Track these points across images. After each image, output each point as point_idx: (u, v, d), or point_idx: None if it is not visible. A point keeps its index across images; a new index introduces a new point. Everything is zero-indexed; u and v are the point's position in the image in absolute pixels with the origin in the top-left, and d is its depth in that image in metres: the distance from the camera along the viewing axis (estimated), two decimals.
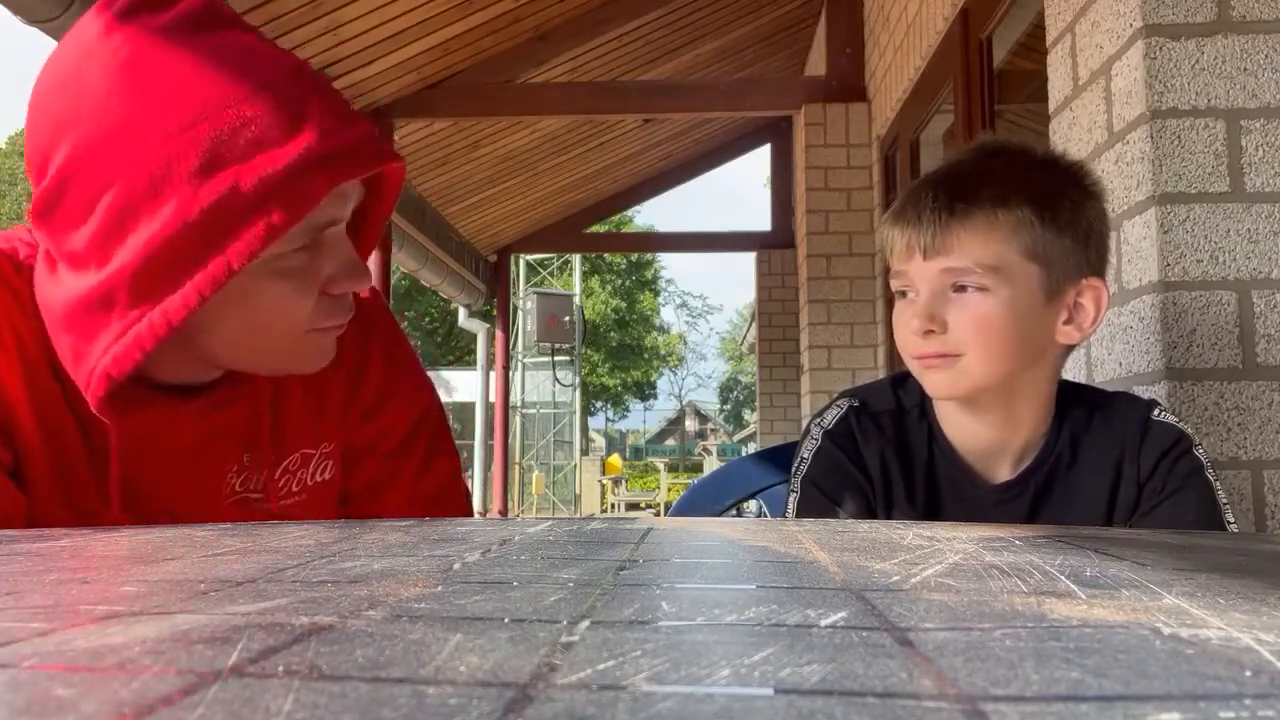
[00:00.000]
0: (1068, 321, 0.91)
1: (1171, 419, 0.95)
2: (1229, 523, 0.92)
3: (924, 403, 0.99)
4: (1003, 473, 0.97)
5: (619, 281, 29.30)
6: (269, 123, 0.68)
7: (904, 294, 0.95)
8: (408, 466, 0.94)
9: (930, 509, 0.97)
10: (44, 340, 0.75)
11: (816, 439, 0.99)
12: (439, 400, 1.00)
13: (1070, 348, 0.96)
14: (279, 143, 0.68)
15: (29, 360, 0.75)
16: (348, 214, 0.78)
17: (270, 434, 0.85)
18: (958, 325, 0.90)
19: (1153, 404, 0.97)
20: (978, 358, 0.90)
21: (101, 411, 0.72)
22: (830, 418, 1.00)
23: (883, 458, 0.97)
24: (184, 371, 0.80)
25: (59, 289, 0.72)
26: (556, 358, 12.95)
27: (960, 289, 0.90)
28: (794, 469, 1.00)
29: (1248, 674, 0.21)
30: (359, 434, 0.93)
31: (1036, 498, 0.95)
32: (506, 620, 0.27)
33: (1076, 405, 0.97)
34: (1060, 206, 0.90)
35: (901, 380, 1.00)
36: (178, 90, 0.68)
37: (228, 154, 0.67)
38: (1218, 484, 0.92)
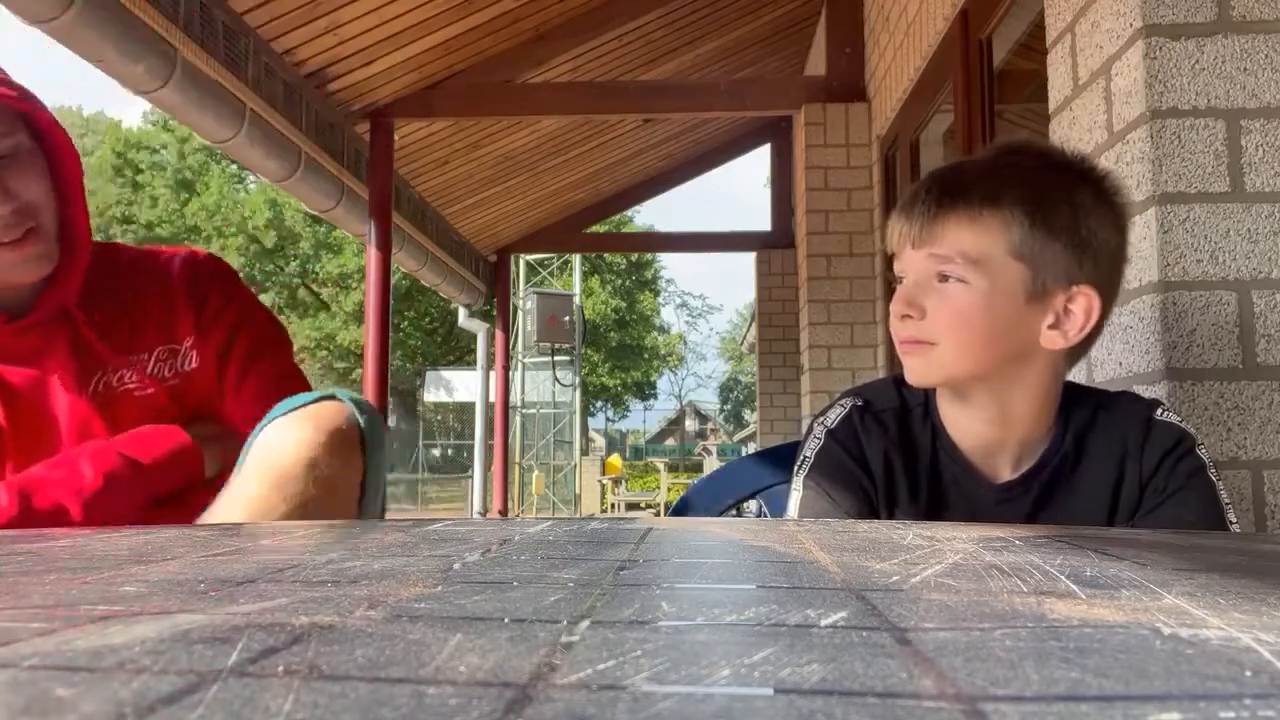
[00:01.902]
0: (1053, 325, 0.91)
1: (1174, 419, 0.95)
2: (1231, 523, 0.92)
3: (927, 401, 0.99)
4: (1005, 471, 0.97)
5: (619, 281, 29.30)
6: None
7: (902, 282, 0.96)
8: (228, 376, 1.16)
9: (933, 507, 0.97)
10: None
11: (819, 438, 0.99)
12: (271, 326, 1.23)
13: (1074, 353, 0.95)
14: None
15: None
16: None
17: (103, 338, 1.09)
18: (935, 313, 0.91)
19: (1155, 404, 0.96)
20: (949, 346, 0.91)
21: None
22: (833, 416, 1.00)
23: (886, 456, 0.97)
24: None
25: None
26: (556, 358, 12.96)
27: (944, 279, 0.91)
28: (796, 467, 1.01)
29: (1248, 674, 0.21)
30: (210, 345, 1.16)
31: (1040, 497, 0.95)
32: (506, 620, 0.27)
33: (1080, 405, 0.97)
34: (1058, 210, 0.90)
35: (905, 379, 1.00)
36: None
37: None
38: (1220, 484, 0.92)
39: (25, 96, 1.02)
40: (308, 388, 1.15)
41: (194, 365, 1.15)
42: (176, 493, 1.03)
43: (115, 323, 1.12)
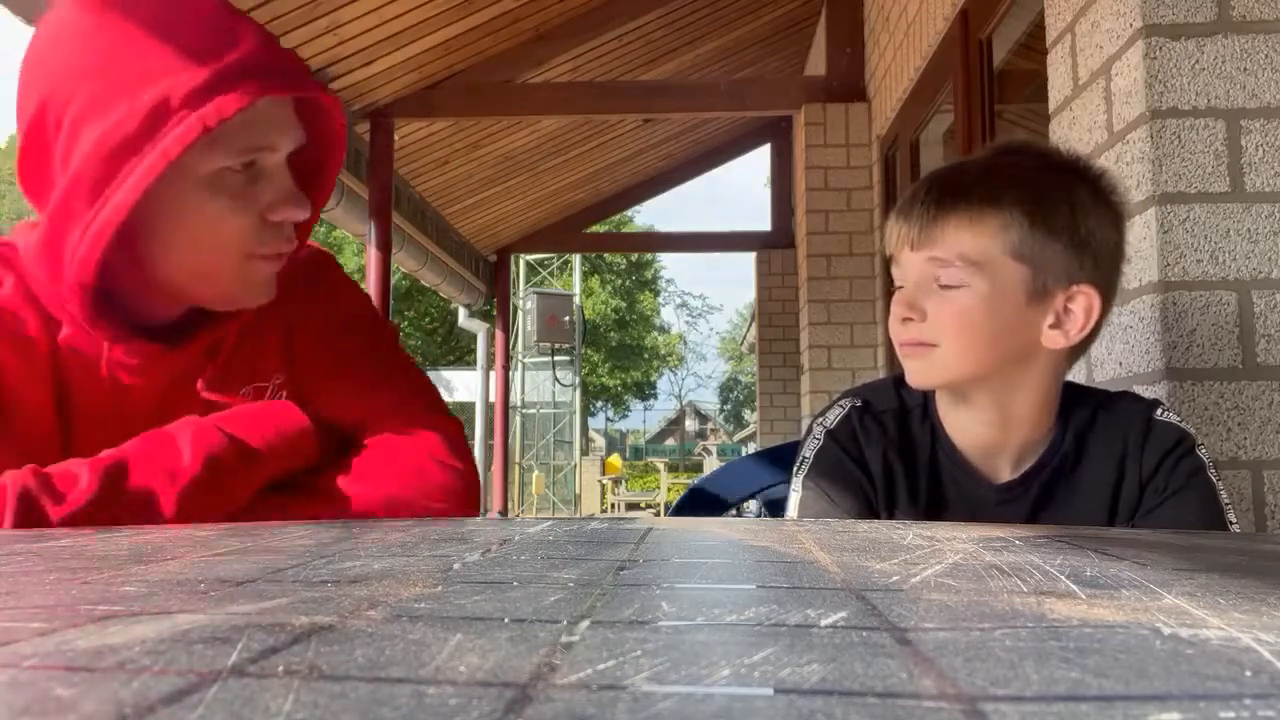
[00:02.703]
0: (1054, 325, 0.91)
1: (1174, 419, 0.95)
2: (1231, 523, 0.92)
3: (927, 402, 0.99)
4: (1005, 472, 0.97)
5: (619, 281, 29.29)
6: (203, 42, 0.78)
7: (901, 285, 0.96)
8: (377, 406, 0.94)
9: (933, 508, 0.97)
10: (38, 315, 0.84)
11: (819, 438, 0.99)
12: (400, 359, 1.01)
13: (1074, 353, 0.95)
14: (213, 57, 0.78)
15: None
16: (284, 146, 0.85)
17: (222, 370, 0.92)
18: (936, 316, 0.91)
19: (1155, 404, 0.96)
20: (951, 349, 0.91)
21: (90, 325, 0.80)
22: (833, 417, 1.00)
23: (885, 457, 0.97)
24: (147, 304, 0.88)
25: (37, 235, 0.82)
26: (556, 358, 12.96)
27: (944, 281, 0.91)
28: (796, 468, 1.01)
29: (1248, 674, 0.21)
30: (307, 367, 0.95)
31: (1039, 497, 0.95)
32: (506, 620, 0.27)
33: (1080, 405, 0.97)
34: (1057, 210, 0.90)
35: (904, 379, 1.00)
36: (124, 28, 0.78)
37: (168, 67, 0.77)
38: (1220, 484, 0.92)
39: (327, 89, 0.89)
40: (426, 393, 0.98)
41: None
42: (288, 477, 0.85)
43: (249, 349, 0.94)
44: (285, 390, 0.94)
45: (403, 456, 0.88)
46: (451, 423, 0.96)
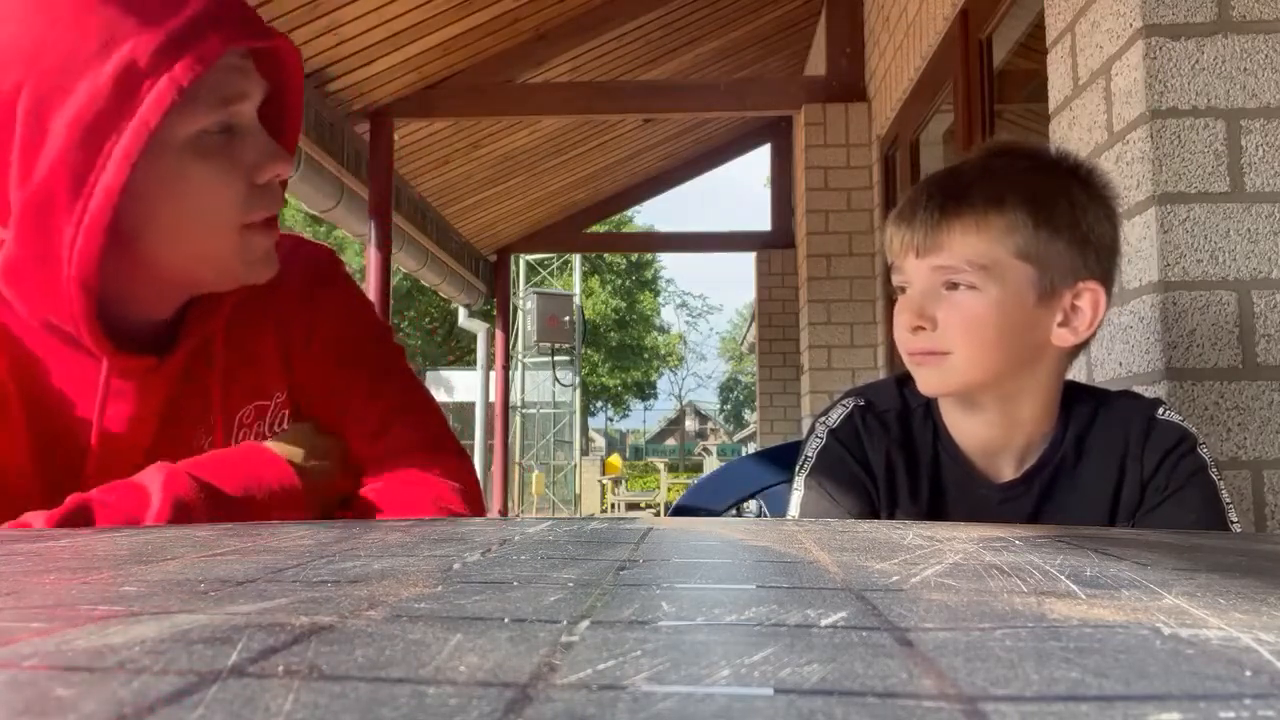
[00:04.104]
0: (1063, 324, 0.91)
1: (1175, 418, 0.95)
2: (1232, 522, 0.92)
3: (929, 402, 0.99)
4: (1007, 471, 0.97)
5: (619, 281, 29.29)
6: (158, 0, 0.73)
7: (904, 290, 0.96)
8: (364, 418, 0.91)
9: (935, 508, 0.97)
10: (21, 350, 0.77)
11: (821, 437, 0.99)
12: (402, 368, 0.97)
13: (1075, 350, 0.95)
14: (169, 13, 0.73)
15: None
16: (256, 96, 0.80)
17: (221, 386, 0.86)
18: (947, 323, 0.91)
19: (1157, 403, 0.96)
20: (964, 355, 0.90)
21: (93, 337, 0.74)
22: (835, 416, 1.00)
23: (888, 456, 0.97)
24: (140, 306, 0.82)
25: (5, 243, 0.74)
26: (556, 358, 12.96)
27: (952, 286, 0.91)
28: (798, 467, 1.01)
29: (1248, 674, 0.21)
30: (305, 381, 0.92)
31: (1041, 497, 0.95)
32: (506, 620, 0.27)
33: (1081, 404, 0.97)
34: (1057, 208, 0.90)
35: (906, 379, 1.00)
36: None
37: (122, 31, 0.71)
38: (1221, 483, 0.92)
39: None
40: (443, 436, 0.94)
41: (285, 427, 0.90)
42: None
43: (249, 360, 0.88)
44: (286, 409, 0.91)
45: (412, 508, 0.84)
46: (459, 458, 0.93)
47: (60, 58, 0.70)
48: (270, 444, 0.84)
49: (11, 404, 0.77)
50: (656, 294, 32.09)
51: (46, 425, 0.78)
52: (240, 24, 0.76)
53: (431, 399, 0.98)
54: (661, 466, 17.86)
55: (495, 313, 8.96)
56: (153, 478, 0.75)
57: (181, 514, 0.73)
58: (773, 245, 7.33)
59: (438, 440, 0.93)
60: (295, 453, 0.83)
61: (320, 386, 0.91)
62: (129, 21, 0.71)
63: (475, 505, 0.90)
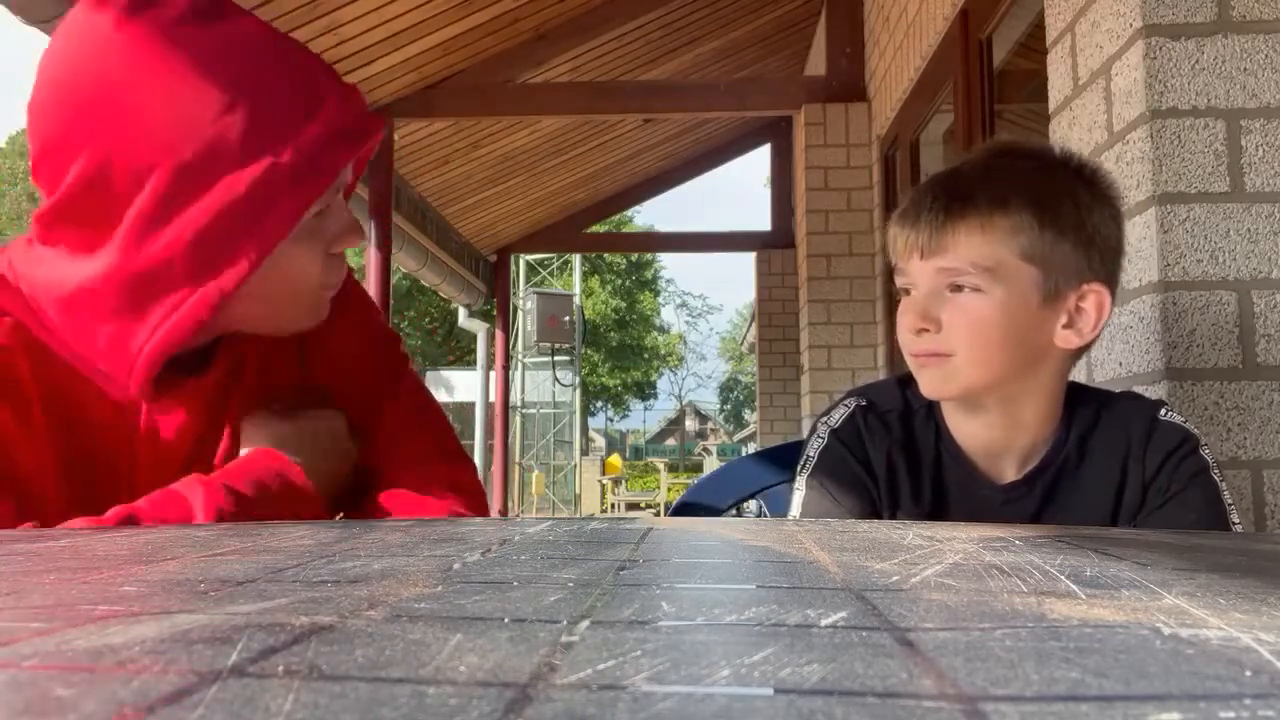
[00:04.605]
0: (1067, 325, 0.91)
1: (1178, 419, 0.94)
2: (1234, 523, 0.91)
3: (931, 402, 0.99)
4: (1009, 473, 0.96)
5: (619, 281, 29.29)
6: (294, 103, 0.76)
7: (907, 292, 0.96)
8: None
9: (936, 508, 0.97)
10: (51, 364, 0.78)
11: (823, 437, 0.99)
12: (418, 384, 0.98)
13: (1079, 352, 0.95)
14: (308, 119, 0.76)
15: (27, 395, 0.77)
16: (349, 178, 0.86)
17: (231, 397, 0.88)
18: (951, 325, 0.90)
19: (1159, 404, 0.96)
20: (968, 358, 0.90)
21: (145, 395, 0.77)
22: (837, 416, 1.00)
23: (889, 457, 0.97)
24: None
25: (75, 278, 0.75)
26: (556, 358, 12.96)
27: (957, 289, 0.90)
28: (800, 467, 1.00)
29: (1248, 674, 0.21)
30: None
31: (1043, 498, 0.95)
32: (506, 620, 0.27)
33: (1084, 406, 0.97)
34: (1062, 210, 0.90)
35: (908, 379, 1.00)
36: (205, 78, 0.73)
37: (264, 134, 0.74)
38: (1223, 484, 0.92)
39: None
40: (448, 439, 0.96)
41: None
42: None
43: (266, 367, 0.92)
44: None
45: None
46: (466, 466, 0.94)
47: (202, 148, 0.72)
48: (284, 451, 0.85)
49: (34, 410, 0.77)
50: (656, 294, 32.10)
51: (75, 435, 0.79)
52: (360, 133, 0.80)
53: (438, 406, 0.99)
54: (661, 466, 17.86)
55: (495, 313, 8.96)
56: (192, 489, 0.77)
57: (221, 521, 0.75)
58: (773, 245, 7.33)
59: (446, 449, 0.95)
60: (306, 457, 0.85)
61: (332, 393, 0.93)
62: (269, 125, 0.74)
63: (483, 514, 0.91)
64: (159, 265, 0.73)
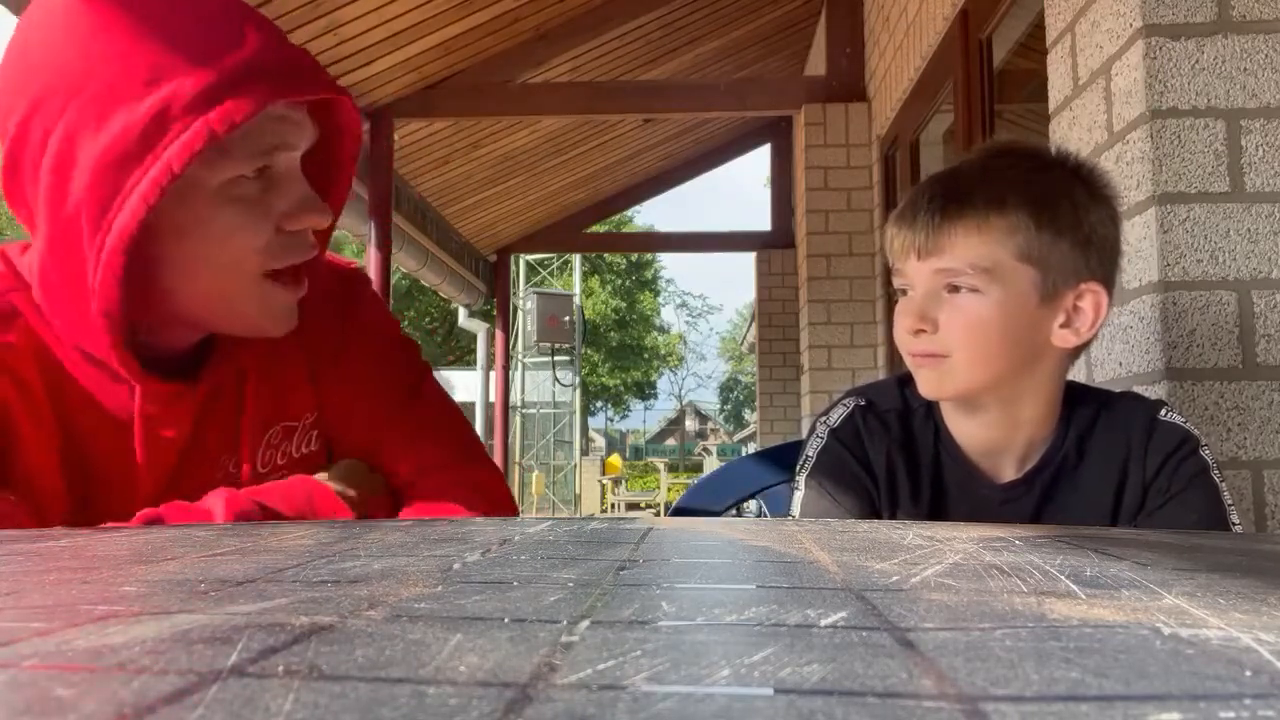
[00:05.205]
0: (1065, 325, 0.91)
1: (1178, 419, 0.94)
2: (1234, 524, 0.91)
3: (930, 402, 0.99)
4: (1008, 472, 0.97)
5: (619, 281, 29.30)
6: (208, 41, 0.72)
7: (904, 292, 0.96)
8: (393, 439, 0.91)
9: (935, 508, 0.97)
10: (56, 368, 0.77)
11: (822, 437, 0.99)
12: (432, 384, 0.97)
13: (1077, 351, 0.95)
14: (217, 56, 0.72)
15: (35, 395, 0.77)
16: (299, 146, 0.79)
17: (237, 408, 0.86)
18: (948, 325, 0.90)
19: (1159, 404, 0.96)
20: (965, 358, 0.90)
21: (122, 362, 0.74)
22: (836, 416, 1.00)
23: (888, 456, 0.97)
24: (167, 336, 0.82)
25: (35, 260, 0.75)
26: (556, 358, 12.96)
27: (954, 289, 0.90)
28: (799, 466, 1.01)
29: (1248, 674, 0.21)
30: (334, 402, 0.91)
31: (1042, 497, 0.95)
32: (506, 620, 0.27)
33: (1083, 406, 0.97)
34: (1059, 210, 0.90)
35: (908, 379, 1.00)
36: (116, 23, 0.71)
37: (168, 70, 0.70)
38: (1223, 485, 0.92)
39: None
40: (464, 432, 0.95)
41: (313, 448, 0.90)
42: None
43: (279, 380, 0.88)
44: (315, 430, 0.90)
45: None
46: (489, 469, 0.93)
47: (103, 88, 0.69)
48: (321, 477, 0.85)
49: (44, 414, 0.77)
50: (656, 294, 32.10)
51: (78, 442, 0.78)
52: (289, 78, 0.75)
53: (458, 411, 0.98)
54: (661, 466, 17.86)
55: (495, 313, 8.96)
56: (215, 499, 0.75)
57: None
58: (773, 245, 7.33)
59: (468, 454, 0.94)
60: (345, 487, 0.84)
61: (349, 405, 0.91)
62: (176, 60, 0.70)
63: (508, 514, 0.91)
64: (72, 218, 0.70)
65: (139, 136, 0.69)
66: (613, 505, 14.49)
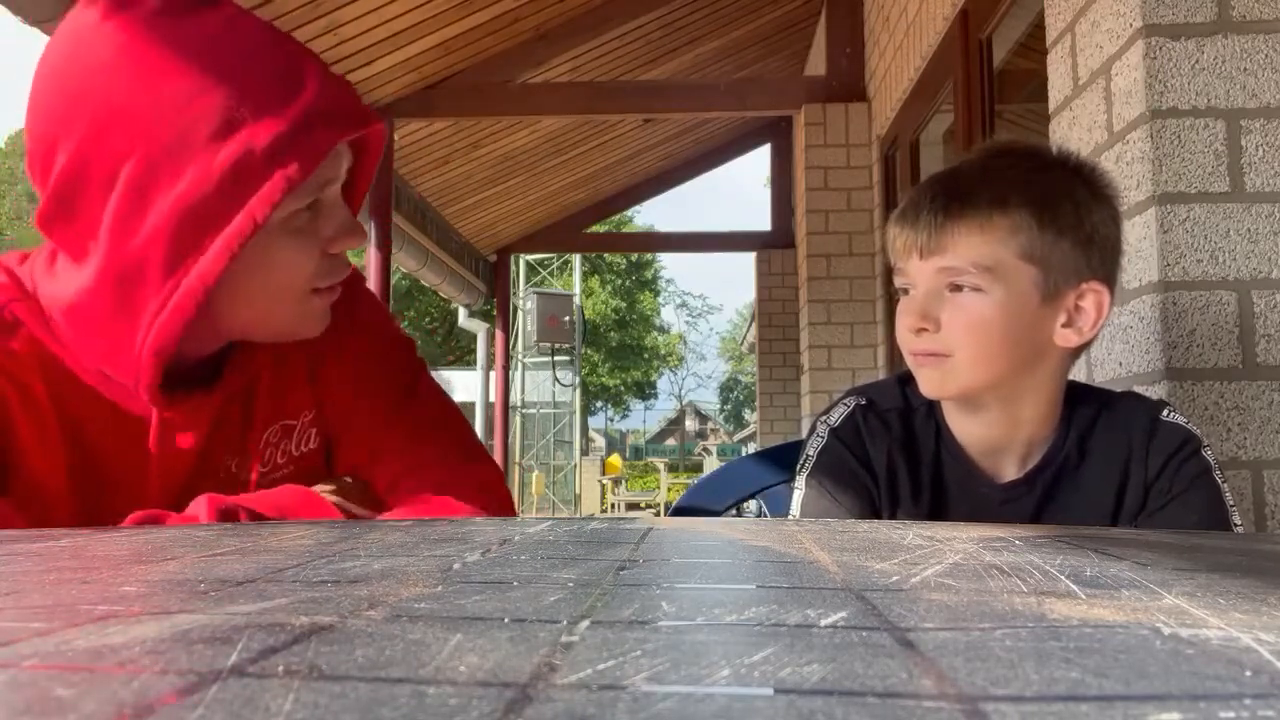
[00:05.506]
0: (1066, 324, 0.91)
1: (1180, 420, 0.94)
2: (1236, 524, 0.91)
3: (930, 401, 0.99)
4: (1009, 471, 0.97)
5: (619, 281, 29.30)
6: (272, 86, 0.74)
7: (906, 291, 0.96)
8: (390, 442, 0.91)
9: (936, 507, 0.97)
10: (64, 375, 0.78)
11: (823, 436, 0.99)
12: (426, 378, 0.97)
13: (1078, 350, 0.95)
14: (284, 103, 0.74)
15: (40, 406, 0.77)
16: (343, 174, 0.82)
17: (245, 411, 0.87)
18: (950, 325, 0.90)
19: (1161, 404, 0.96)
20: (967, 358, 0.90)
21: (153, 399, 0.76)
22: (837, 415, 1.00)
23: (889, 456, 0.97)
24: (195, 344, 0.82)
25: (73, 286, 0.75)
26: (556, 358, 12.96)
27: (956, 288, 0.90)
28: (799, 466, 1.01)
29: (1248, 674, 0.21)
30: (333, 401, 0.92)
31: (1043, 497, 0.95)
32: (506, 620, 0.27)
33: (1084, 405, 0.97)
34: (1061, 209, 0.90)
35: (908, 378, 1.00)
36: (181, 65, 0.72)
37: (238, 117, 0.72)
38: (1225, 486, 0.92)
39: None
40: (464, 436, 0.95)
41: (313, 445, 0.92)
42: None
43: (279, 380, 0.90)
44: (313, 428, 0.91)
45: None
46: (488, 467, 0.93)
47: (176, 135, 0.71)
48: (319, 489, 0.85)
49: (48, 419, 0.77)
50: (656, 294, 32.11)
51: (87, 446, 0.79)
52: (345, 117, 0.78)
53: (456, 409, 0.98)
54: (661, 466, 17.85)
55: (495, 313, 8.96)
56: (197, 504, 0.76)
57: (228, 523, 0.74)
58: (773, 245, 7.33)
59: (467, 451, 0.94)
60: (342, 499, 0.85)
61: (348, 404, 0.92)
62: (245, 108, 0.72)
63: (507, 513, 0.91)
64: (140, 260, 0.71)
65: (216, 188, 0.71)
66: (613, 505, 14.49)
